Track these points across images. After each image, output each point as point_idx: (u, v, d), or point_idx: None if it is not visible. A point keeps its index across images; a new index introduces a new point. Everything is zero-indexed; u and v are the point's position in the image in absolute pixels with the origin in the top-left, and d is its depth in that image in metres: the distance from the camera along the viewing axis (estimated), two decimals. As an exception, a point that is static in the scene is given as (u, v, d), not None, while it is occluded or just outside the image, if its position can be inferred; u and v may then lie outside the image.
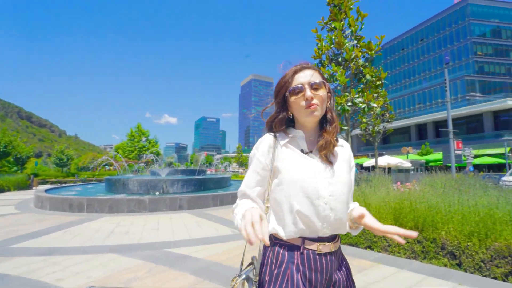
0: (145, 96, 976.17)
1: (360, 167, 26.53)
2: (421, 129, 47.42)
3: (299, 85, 0.95)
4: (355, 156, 42.50)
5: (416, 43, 52.50)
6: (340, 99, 5.06)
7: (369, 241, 4.27)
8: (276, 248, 0.93)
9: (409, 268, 3.43)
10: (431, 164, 30.67)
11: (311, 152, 0.98)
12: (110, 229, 5.52)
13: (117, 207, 7.44)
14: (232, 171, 49.40)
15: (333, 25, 5.65)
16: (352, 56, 5.27)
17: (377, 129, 11.60)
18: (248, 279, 0.92)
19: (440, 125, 42.09)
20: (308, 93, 0.94)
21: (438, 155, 30.85)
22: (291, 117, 1.04)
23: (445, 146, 17.60)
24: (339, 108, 5.13)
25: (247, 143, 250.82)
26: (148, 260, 3.68)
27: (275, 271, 0.90)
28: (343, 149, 1.04)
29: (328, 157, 0.96)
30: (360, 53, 5.43)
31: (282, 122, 1.03)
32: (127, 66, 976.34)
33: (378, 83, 5.79)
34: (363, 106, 5.45)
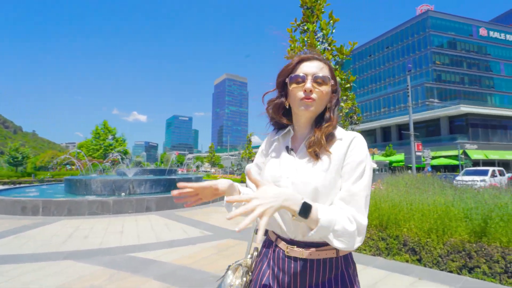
0: (113, 92, 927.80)
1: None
2: (385, 131, 50.34)
3: (302, 74, 0.89)
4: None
5: (382, 50, 55.54)
6: (311, 100, 5.14)
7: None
8: (264, 240, 0.97)
9: (374, 265, 3.55)
10: (394, 164, 32.61)
11: (292, 150, 0.93)
12: (67, 233, 5.10)
13: (77, 210, 6.92)
14: (204, 171, 48.62)
15: (305, 27, 5.75)
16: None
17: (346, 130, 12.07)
18: (241, 264, 0.94)
19: (402, 128, 44.97)
20: (308, 84, 0.87)
21: (400, 156, 32.90)
22: (288, 106, 0.97)
23: (407, 148, 18.81)
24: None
25: (220, 142, 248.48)
26: (109, 266, 3.43)
27: (257, 259, 0.97)
28: (340, 143, 0.88)
29: (317, 155, 0.86)
30: (331, 56, 5.56)
31: (279, 109, 0.98)
32: (93, 61, 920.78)
33: (347, 86, 5.96)
34: (333, 108, 5.58)
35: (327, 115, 0.92)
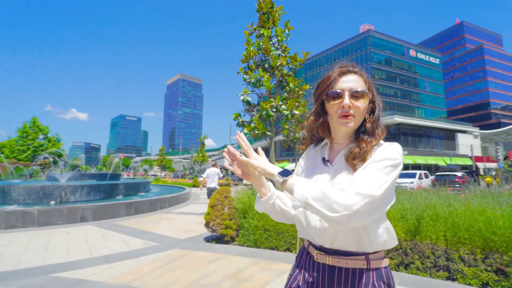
0: (46, 86, 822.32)
1: (281, 171, 28.38)
2: (332, 137, 53.97)
3: (339, 91, 0.90)
4: (278, 160, 45.22)
5: (330, 62, 59.76)
6: (265, 104, 5.17)
7: (288, 243, 4.39)
8: (302, 247, 1.03)
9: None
10: (339, 168, 35.06)
11: (328, 161, 0.96)
12: (-27, 252, 4.19)
13: (-10, 223, 5.79)
14: (153, 175, 45.91)
15: (261, 32, 5.78)
16: (278, 64, 5.48)
17: (298, 136, 12.56)
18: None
19: (347, 135, 48.68)
20: (346, 100, 0.88)
21: (345, 161, 35.51)
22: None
23: (351, 153, 20.41)
24: (264, 113, 5.24)
25: (171, 145, 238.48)
26: (26, 291, 2.87)
27: (294, 265, 1.03)
28: (377, 150, 0.87)
29: (353, 164, 0.86)
30: (285, 62, 5.69)
31: (324, 128, 0.98)
32: (24, 52, 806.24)
33: (300, 92, 6.15)
34: (286, 113, 5.69)
35: (368, 125, 0.93)
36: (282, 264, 3.74)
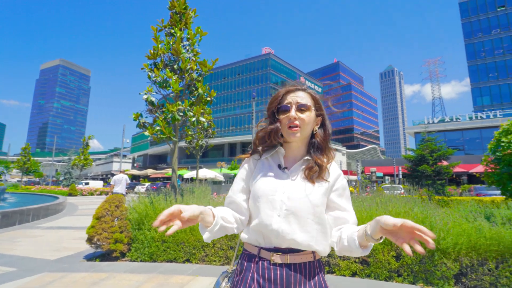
0: None
1: (181, 178, 27.23)
2: (232, 147, 56.08)
3: (287, 105, 1.02)
4: (178, 168, 43.24)
5: (234, 76, 62.67)
6: (171, 107, 4.86)
7: (188, 253, 4.20)
8: (241, 257, 1.03)
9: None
10: (238, 177, 36.65)
11: (285, 168, 1.04)
12: None
13: None
14: (11, 180, 35.62)
15: (173, 31, 5.48)
16: (188, 67, 5.30)
17: (201, 143, 12.46)
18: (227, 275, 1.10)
19: (246, 145, 51.64)
20: (292, 113, 1.00)
21: (243, 170, 37.43)
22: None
23: (249, 163, 21.73)
24: (169, 116, 4.92)
25: (41, 144, 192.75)
26: None
27: (236, 279, 1.01)
28: (332, 171, 1.04)
29: (311, 177, 1.00)
30: (195, 67, 5.56)
31: (277, 134, 1.03)
32: None
33: (208, 99, 6.13)
34: (193, 120, 5.54)
35: (318, 139, 1.05)
36: (182, 277, 3.54)
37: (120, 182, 8.94)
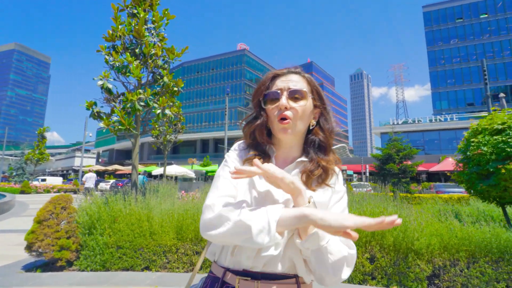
0: None
1: (148, 175, 25.97)
2: (204, 143, 54.96)
3: (276, 91, 0.81)
4: (145, 164, 41.41)
5: (208, 70, 61.28)
6: (131, 95, 4.31)
7: (147, 260, 3.75)
8: (205, 281, 0.83)
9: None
10: (209, 174, 35.93)
11: None
12: None
13: None
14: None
15: (135, 11, 4.88)
16: (152, 52, 4.76)
17: (169, 138, 11.79)
18: None
19: (219, 141, 50.87)
20: (283, 101, 0.78)
21: (215, 167, 36.82)
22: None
23: (221, 160, 21.34)
24: (128, 105, 4.36)
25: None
26: None
27: None
28: (341, 183, 0.85)
29: (311, 184, 0.79)
30: (161, 53, 5.02)
31: (263, 131, 0.82)
32: None
33: (175, 89, 5.62)
34: (158, 112, 5.04)
35: (320, 136, 0.83)
36: (137, 288, 3.11)
37: (90, 179, 11.22)
